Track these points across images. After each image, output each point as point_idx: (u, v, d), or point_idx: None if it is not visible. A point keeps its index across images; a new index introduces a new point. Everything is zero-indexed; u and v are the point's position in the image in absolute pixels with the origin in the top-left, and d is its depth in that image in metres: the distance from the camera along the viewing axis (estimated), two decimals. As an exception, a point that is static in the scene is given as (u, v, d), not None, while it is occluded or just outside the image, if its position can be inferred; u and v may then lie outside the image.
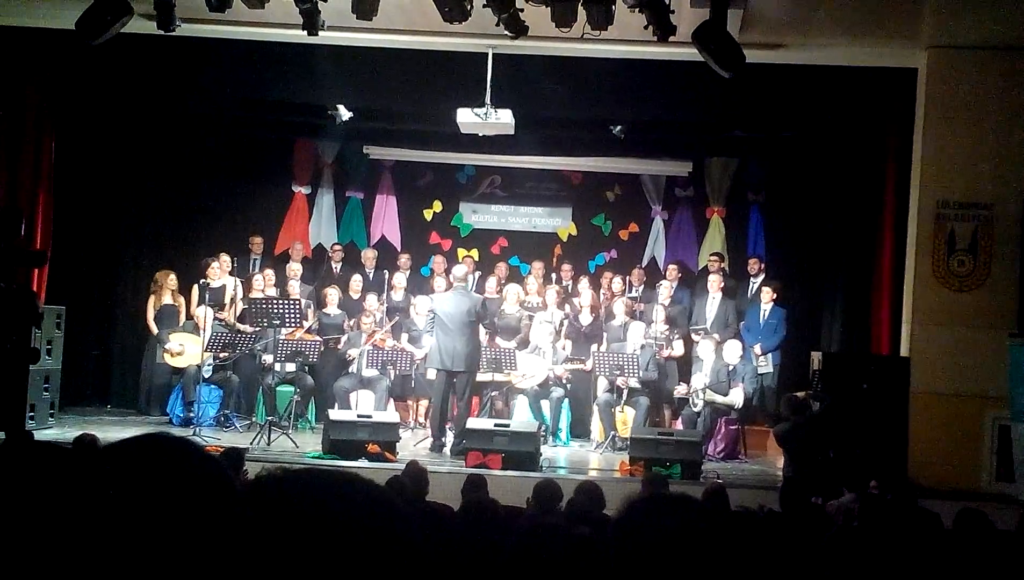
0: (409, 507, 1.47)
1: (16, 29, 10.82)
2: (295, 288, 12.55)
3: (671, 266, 13.45)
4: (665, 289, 12.75)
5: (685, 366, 12.23)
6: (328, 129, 13.08)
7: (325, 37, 9.59)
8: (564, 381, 11.96)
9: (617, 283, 13.03)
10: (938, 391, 9.59)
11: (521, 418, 11.31)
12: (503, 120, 10.28)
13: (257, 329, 11.68)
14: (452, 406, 10.95)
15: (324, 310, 12.55)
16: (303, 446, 10.43)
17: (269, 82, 11.54)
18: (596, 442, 11.61)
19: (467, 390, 10.78)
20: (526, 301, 12.78)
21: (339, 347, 12.25)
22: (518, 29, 8.97)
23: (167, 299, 12.19)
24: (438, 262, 13.62)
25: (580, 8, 8.68)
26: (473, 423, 10.25)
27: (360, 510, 1.38)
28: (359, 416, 10.37)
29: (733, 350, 11.81)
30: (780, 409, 10.00)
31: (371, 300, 12.33)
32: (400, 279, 13.04)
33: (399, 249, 14.17)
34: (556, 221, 14.81)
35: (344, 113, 12.30)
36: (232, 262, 12.65)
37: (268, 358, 11.78)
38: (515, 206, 14.89)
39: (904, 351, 10.07)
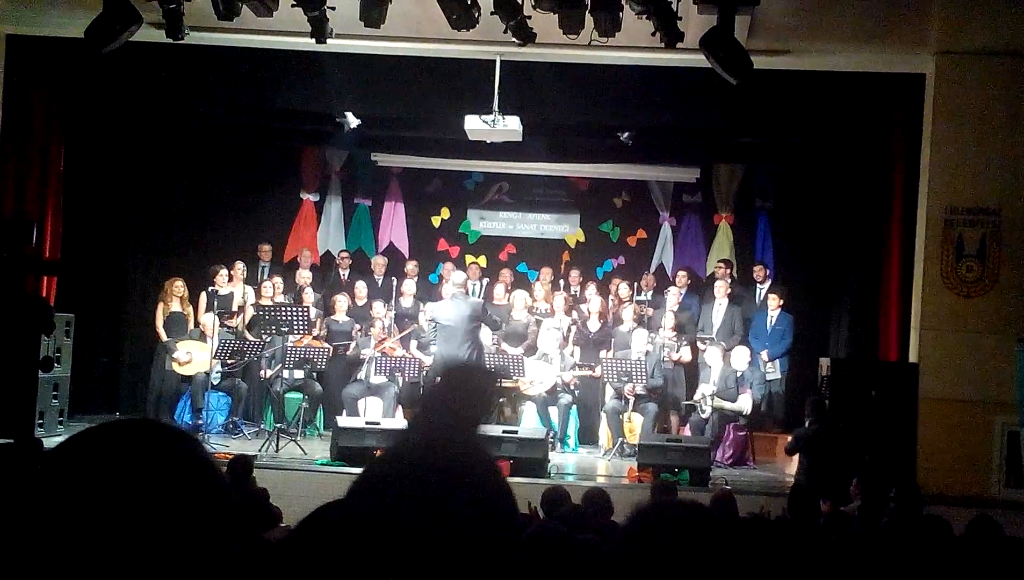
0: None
1: (26, 38, 10.86)
2: (309, 296, 12.58)
3: (680, 273, 13.41)
4: (673, 295, 12.72)
5: (693, 373, 12.22)
6: (336, 136, 13.10)
7: (333, 45, 9.62)
8: (572, 387, 11.95)
9: (624, 289, 13.01)
10: (947, 397, 9.56)
11: (529, 424, 11.30)
12: (511, 127, 10.30)
13: (262, 339, 11.75)
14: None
15: (333, 317, 12.56)
16: (311, 453, 10.44)
17: (277, 90, 11.56)
18: (604, 449, 11.60)
19: None
20: (534, 307, 12.78)
21: (348, 354, 12.26)
22: (526, 36, 8.99)
23: (175, 307, 12.20)
24: (447, 269, 13.64)
25: (588, 15, 8.70)
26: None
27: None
28: (367, 423, 10.37)
29: (741, 356, 11.79)
30: (805, 410, 9.93)
31: (378, 307, 12.33)
32: (410, 286, 13.05)
33: (407, 256, 14.17)
34: (564, 228, 14.81)
35: (352, 120, 12.31)
36: (244, 270, 12.69)
37: (268, 373, 11.88)
38: (523, 213, 14.89)
39: (912, 357, 10.04)
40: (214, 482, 1.34)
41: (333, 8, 9.04)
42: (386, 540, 1.35)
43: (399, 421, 10.88)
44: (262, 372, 12.07)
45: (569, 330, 12.49)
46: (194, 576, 1.27)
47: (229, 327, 12.09)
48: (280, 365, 11.65)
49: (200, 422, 11.26)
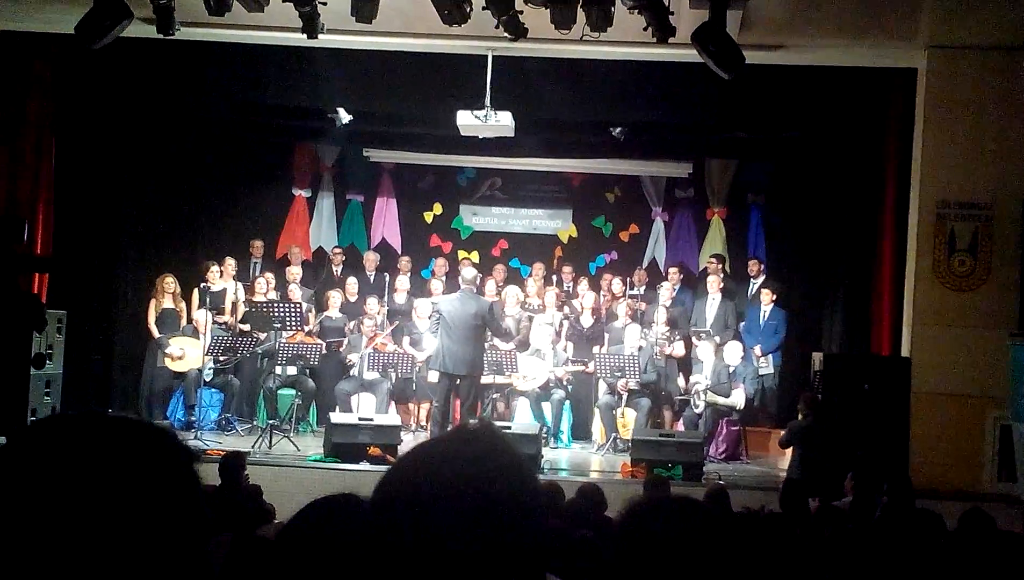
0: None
1: (16, 34, 10.82)
2: (295, 292, 12.55)
3: (673, 268, 13.43)
4: (666, 290, 12.74)
5: (685, 367, 12.23)
6: (328, 132, 13.07)
7: (324, 40, 9.60)
8: (565, 383, 11.96)
9: (617, 285, 13.02)
10: (939, 391, 9.58)
11: (522, 420, 11.30)
12: (503, 122, 10.28)
13: (257, 332, 11.72)
14: (455, 409, 10.94)
15: (326, 313, 12.55)
16: (304, 449, 10.43)
17: (269, 86, 11.53)
18: (597, 444, 11.60)
19: (471, 394, 10.75)
20: (527, 303, 12.78)
21: (340, 350, 12.25)
22: (517, 31, 8.97)
23: (167, 303, 12.17)
24: (439, 265, 13.64)
25: (580, 10, 8.69)
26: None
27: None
28: (360, 419, 10.35)
29: (734, 351, 11.80)
30: (798, 406, 9.93)
31: (371, 303, 12.32)
32: (403, 282, 13.04)
33: (399, 252, 14.17)
34: (556, 223, 14.82)
35: (344, 116, 12.28)
36: (235, 266, 12.66)
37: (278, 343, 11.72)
38: (515, 208, 14.90)
39: (905, 351, 10.06)
40: (175, 474, 1.27)
41: (324, 3, 9.02)
42: (404, 543, 1.33)
43: (392, 417, 10.87)
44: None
45: (561, 325, 12.49)
46: (159, 572, 1.22)
47: (220, 323, 12.08)
48: (274, 361, 11.64)
49: (193, 418, 11.25)
